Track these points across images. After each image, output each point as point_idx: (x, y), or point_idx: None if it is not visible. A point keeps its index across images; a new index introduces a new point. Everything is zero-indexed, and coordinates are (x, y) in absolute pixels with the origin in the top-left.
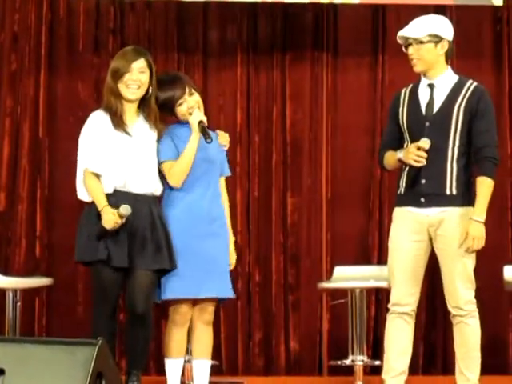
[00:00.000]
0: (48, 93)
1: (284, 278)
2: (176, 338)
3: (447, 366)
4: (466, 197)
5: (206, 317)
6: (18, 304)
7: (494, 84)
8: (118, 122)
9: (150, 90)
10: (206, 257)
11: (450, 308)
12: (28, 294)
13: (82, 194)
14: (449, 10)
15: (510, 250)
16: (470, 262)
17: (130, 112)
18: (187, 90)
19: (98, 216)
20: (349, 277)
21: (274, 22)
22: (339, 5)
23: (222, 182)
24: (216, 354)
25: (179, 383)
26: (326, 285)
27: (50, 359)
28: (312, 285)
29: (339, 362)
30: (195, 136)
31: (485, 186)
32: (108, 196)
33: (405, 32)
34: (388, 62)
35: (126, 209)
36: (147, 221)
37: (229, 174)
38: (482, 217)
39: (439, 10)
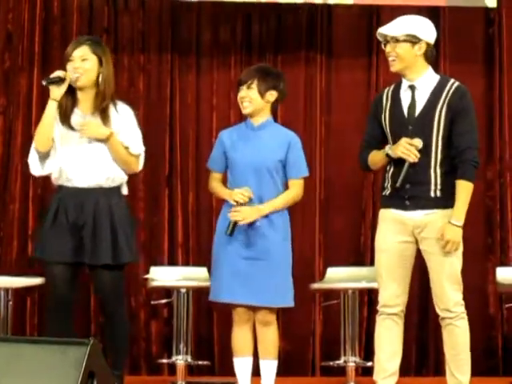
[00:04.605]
0: (41, 91)
1: None
2: (236, 337)
3: (439, 366)
4: (451, 199)
5: (260, 318)
6: (10, 303)
7: (484, 86)
8: (62, 116)
9: (101, 78)
10: (245, 264)
11: (438, 310)
12: (20, 293)
13: (35, 169)
14: (442, 11)
15: (499, 252)
16: (457, 264)
17: (84, 100)
18: (250, 81)
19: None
20: (341, 278)
21: (267, 23)
22: (333, 5)
23: (291, 184)
24: (208, 354)
25: (249, 381)
26: (318, 286)
27: (42, 359)
28: (304, 286)
29: (331, 363)
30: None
31: (464, 190)
32: (56, 189)
33: (383, 29)
34: (382, 62)
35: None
36: (90, 216)
37: (299, 175)
38: (461, 220)
39: (432, 11)
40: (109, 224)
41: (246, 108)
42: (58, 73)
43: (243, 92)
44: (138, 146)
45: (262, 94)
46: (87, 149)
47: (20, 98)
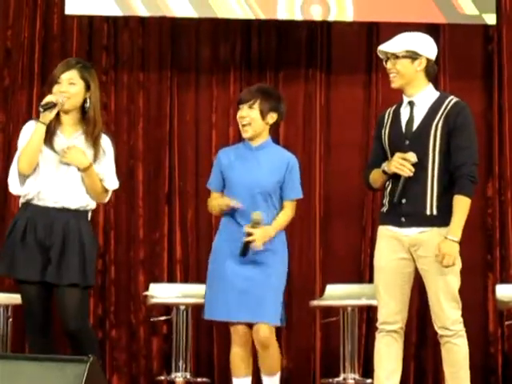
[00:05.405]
0: None
1: None
2: (235, 358)
3: None
4: (447, 217)
5: (257, 338)
6: (9, 320)
7: (484, 103)
8: (45, 137)
9: (88, 103)
10: (243, 281)
11: (436, 328)
12: (19, 310)
13: (15, 188)
14: (442, 28)
15: (498, 269)
16: (455, 282)
17: (67, 124)
18: (252, 101)
19: (28, 222)
20: (341, 295)
21: (267, 40)
22: (333, 22)
23: (286, 205)
24: (208, 371)
25: None
26: (317, 303)
27: (41, 376)
28: (305, 302)
29: (331, 380)
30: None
31: (461, 205)
32: (23, 206)
33: (383, 47)
34: (381, 79)
35: None
36: (60, 236)
37: (294, 197)
38: (457, 236)
39: (432, 28)
40: (78, 245)
41: (247, 132)
42: (51, 98)
43: (244, 111)
44: (112, 181)
45: (263, 115)
46: (65, 171)
47: (19, 116)
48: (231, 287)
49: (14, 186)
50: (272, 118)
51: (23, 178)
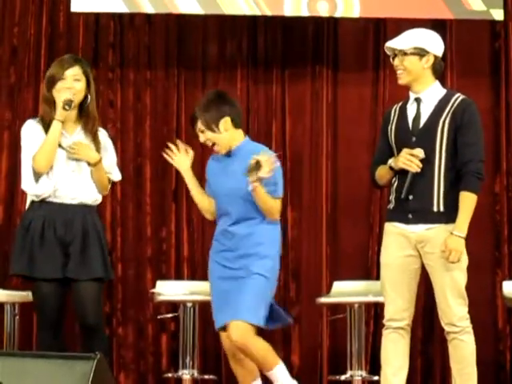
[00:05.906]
0: None
1: (284, 293)
2: (235, 371)
3: (445, 381)
4: (454, 214)
5: (231, 341)
6: (17, 318)
7: (491, 99)
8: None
9: (88, 99)
10: (225, 285)
11: (443, 325)
12: (26, 307)
13: (30, 188)
14: (449, 24)
15: (507, 266)
16: (461, 278)
17: (69, 121)
18: (199, 127)
19: (38, 222)
20: (348, 292)
21: (273, 36)
22: (340, 18)
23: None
24: (215, 368)
25: None
26: (324, 300)
27: (49, 373)
28: (312, 299)
29: (338, 377)
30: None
31: (467, 201)
32: (36, 204)
33: (391, 43)
34: (388, 76)
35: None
36: (79, 232)
37: (271, 194)
38: (463, 232)
39: (438, 24)
40: (97, 239)
41: (220, 150)
42: (68, 95)
43: (201, 138)
44: (118, 173)
45: (216, 129)
46: (75, 168)
47: (25, 113)
48: (214, 293)
49: (29, 185)
50: (225, 123)
51: (37, 176)
